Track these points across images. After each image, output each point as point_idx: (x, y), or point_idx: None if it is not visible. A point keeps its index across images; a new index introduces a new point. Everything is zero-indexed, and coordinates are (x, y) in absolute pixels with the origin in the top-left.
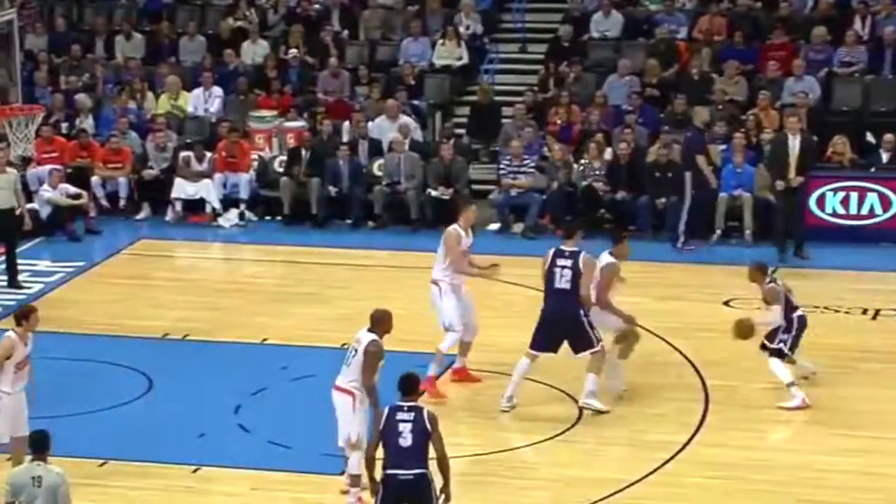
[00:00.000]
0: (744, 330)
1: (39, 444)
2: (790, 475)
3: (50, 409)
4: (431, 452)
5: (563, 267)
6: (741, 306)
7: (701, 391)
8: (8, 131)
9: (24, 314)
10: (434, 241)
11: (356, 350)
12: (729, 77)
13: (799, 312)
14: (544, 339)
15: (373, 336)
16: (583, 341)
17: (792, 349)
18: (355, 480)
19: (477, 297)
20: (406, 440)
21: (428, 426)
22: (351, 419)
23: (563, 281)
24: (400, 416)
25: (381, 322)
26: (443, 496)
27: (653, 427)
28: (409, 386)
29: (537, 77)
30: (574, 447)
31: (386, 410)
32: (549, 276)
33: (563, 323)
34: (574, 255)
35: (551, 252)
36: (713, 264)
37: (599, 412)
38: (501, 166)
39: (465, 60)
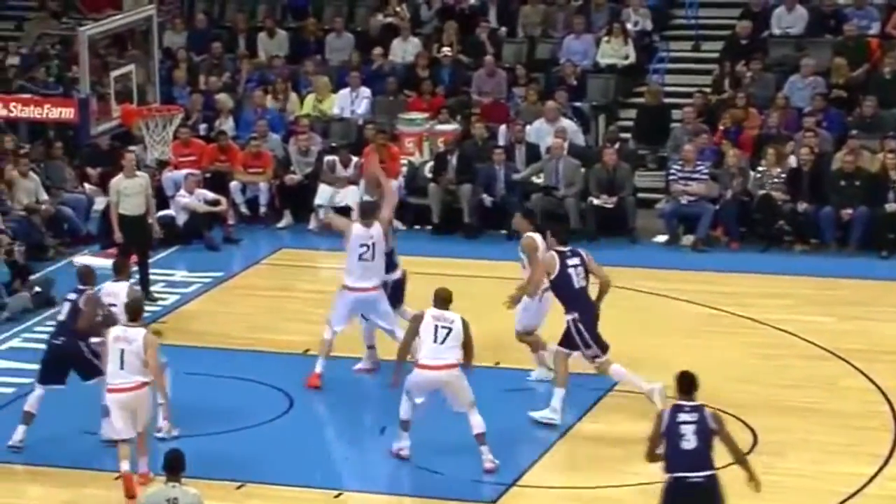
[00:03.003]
0: None
1: (174, 465)
2: None
3: (186, 427)
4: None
5: (576, 266)
6: None
7: (890, 419)
8: (144, 133)
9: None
10: (594, 253)
11: (448, 328)
12: None
13: None
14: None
15: (455, 313)
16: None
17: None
18: (482, 438)
19: (640, 313)
20: (689, 442)
21: (713, 425)
22: (468, 384)
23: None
24: (682, 416)
25: (451, 299)
26: (753, 484)
27: (836, 458)
28: (690, 384)
29: (711, 77)
30: None
31: (668, 411)
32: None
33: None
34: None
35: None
36: None
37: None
38: (672, 172)
39: (633, 59)
